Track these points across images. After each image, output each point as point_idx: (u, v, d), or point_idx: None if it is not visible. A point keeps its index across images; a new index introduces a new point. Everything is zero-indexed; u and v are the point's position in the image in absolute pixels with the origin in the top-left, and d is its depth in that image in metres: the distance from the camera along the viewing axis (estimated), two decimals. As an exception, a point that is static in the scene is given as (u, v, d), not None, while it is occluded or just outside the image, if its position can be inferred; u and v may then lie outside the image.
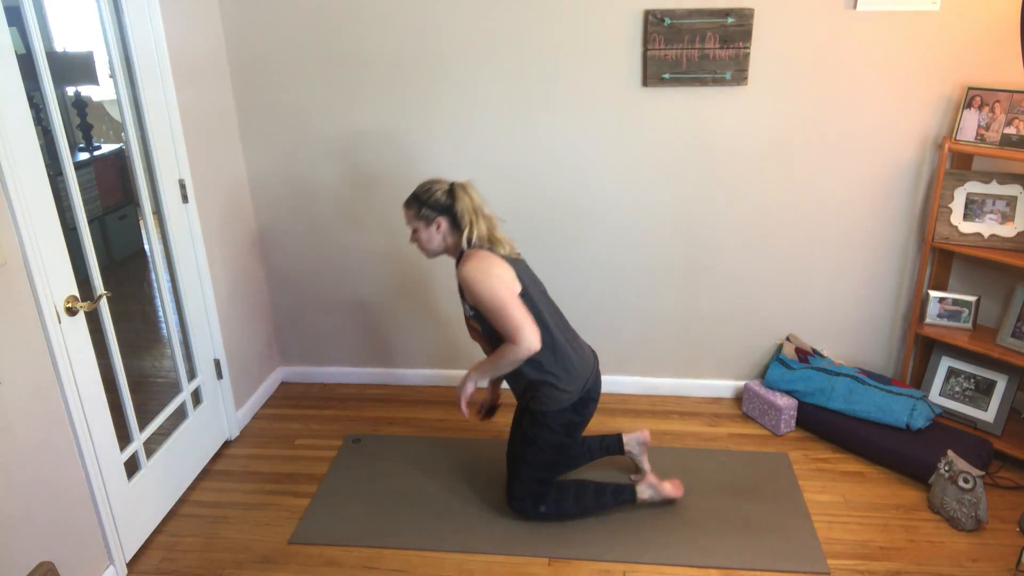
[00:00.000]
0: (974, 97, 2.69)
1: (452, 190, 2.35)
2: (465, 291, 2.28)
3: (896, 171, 2.91)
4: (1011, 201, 2.75)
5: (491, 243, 2.34)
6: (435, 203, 2.34)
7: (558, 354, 2.35)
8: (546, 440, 2.41)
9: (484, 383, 2.44)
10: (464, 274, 2.25)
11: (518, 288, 2.27)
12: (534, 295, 2.34)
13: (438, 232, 2.36)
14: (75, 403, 2.14)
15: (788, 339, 3.19)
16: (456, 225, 2.34)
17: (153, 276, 3.15)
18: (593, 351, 2.52)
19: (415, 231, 2.39)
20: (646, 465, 2.68)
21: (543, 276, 3.22)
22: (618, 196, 3.07)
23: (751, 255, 3.11)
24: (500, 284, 2.22)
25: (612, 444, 2.72)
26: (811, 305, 3.16)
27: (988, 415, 2.85)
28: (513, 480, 2.51)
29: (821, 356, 3.12)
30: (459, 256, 2.37)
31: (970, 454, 2.64)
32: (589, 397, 2.42)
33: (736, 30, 2.75)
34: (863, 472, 2.80)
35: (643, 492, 2.57)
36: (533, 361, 2.33)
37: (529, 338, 2.22)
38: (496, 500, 2.67)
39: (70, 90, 4.01)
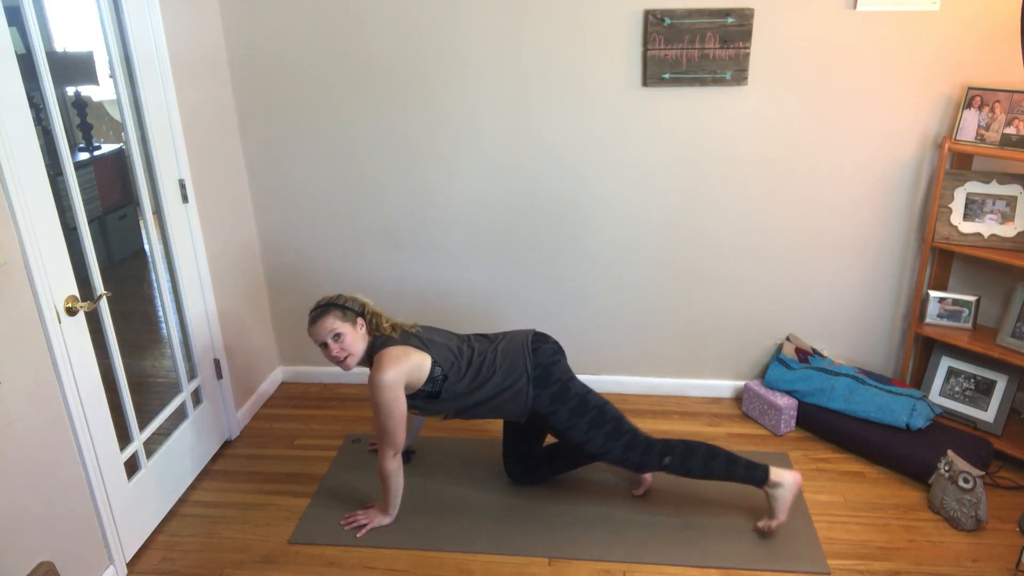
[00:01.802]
0: (974, 97, 2.69)
1: (354, 296, 2.46)
2: (370, 392, 2.35)
3: (896, 171, 2.91)
4: (1011, 201, 2.75)
5: (392, 331, 2.43)
6: (352, 303, 2.42)
7: (485, 367, 2.42)
8: (567, 417, 2.39)
9: (395, 512, 2.58)
10: (373, 381, 2.31)
11: (421, 380, 2.37)
12: (441, 346, 2.45)
13: (362, 331, 2.41)
14: (75, 403, 2.14)
15: (788, 339, 3.19)
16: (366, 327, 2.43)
17: (153, 276, 3.15)
18: (525, 333, 2.53)
19: (338, 337, 2.36)
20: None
21: (543, 276, 3.23)
22: (618, 196, 3.07)
23: (751, 255, 3.11)
24: (395, 400, 2.32)
25: None
26: (811, 305, 3.16)
27: (988, 415, 2.84)
28: (604, 458, 2.41)
29: (821, 356, 3.12)
30: (370, 361, 2.42)
31: (970, 454, 2.64)
32: (543, 365, 2.42)
33: (736, 30, 2.75)
34: (863, 472, 2.80)
35: (779, 475, 2.39)
36: (481, 389, 2.40)
37: (397, 443, 2.39)
38: (496, 500, 2.66)
39: (70, 90, 4.01)
